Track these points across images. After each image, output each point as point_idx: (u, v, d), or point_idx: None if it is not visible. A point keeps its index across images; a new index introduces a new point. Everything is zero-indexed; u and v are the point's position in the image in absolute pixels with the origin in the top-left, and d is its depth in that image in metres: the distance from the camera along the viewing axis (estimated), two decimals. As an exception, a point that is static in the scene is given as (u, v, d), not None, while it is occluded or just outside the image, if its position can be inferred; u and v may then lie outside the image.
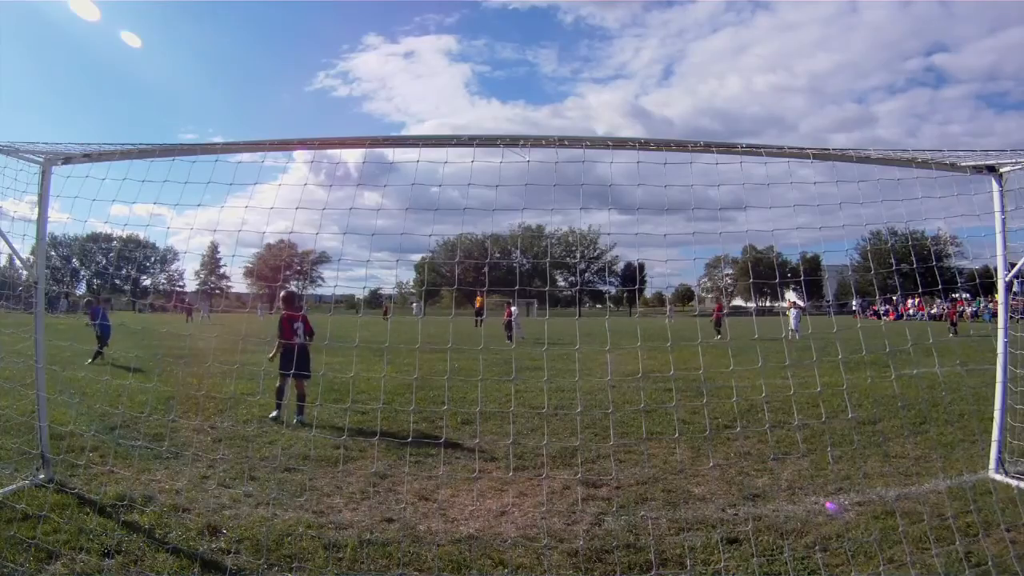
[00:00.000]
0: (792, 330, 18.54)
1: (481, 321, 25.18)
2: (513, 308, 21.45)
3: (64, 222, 4.82)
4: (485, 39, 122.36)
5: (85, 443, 5.43)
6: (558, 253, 76.61)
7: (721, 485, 4.95)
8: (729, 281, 73.88)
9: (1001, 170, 4.68)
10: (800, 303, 22.03)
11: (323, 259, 67.29)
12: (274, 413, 7.17)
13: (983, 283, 4.89)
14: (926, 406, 7.05)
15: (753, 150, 3.89)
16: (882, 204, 4.15)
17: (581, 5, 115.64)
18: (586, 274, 77.86)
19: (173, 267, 71.46)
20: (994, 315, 5.70)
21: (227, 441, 6.07)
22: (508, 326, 20.78)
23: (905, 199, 4.10)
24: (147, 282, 71.79)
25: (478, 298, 28.55)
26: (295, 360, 7.10)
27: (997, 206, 4.70)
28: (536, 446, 5.90)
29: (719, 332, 22.32)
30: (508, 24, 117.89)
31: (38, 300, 4.64)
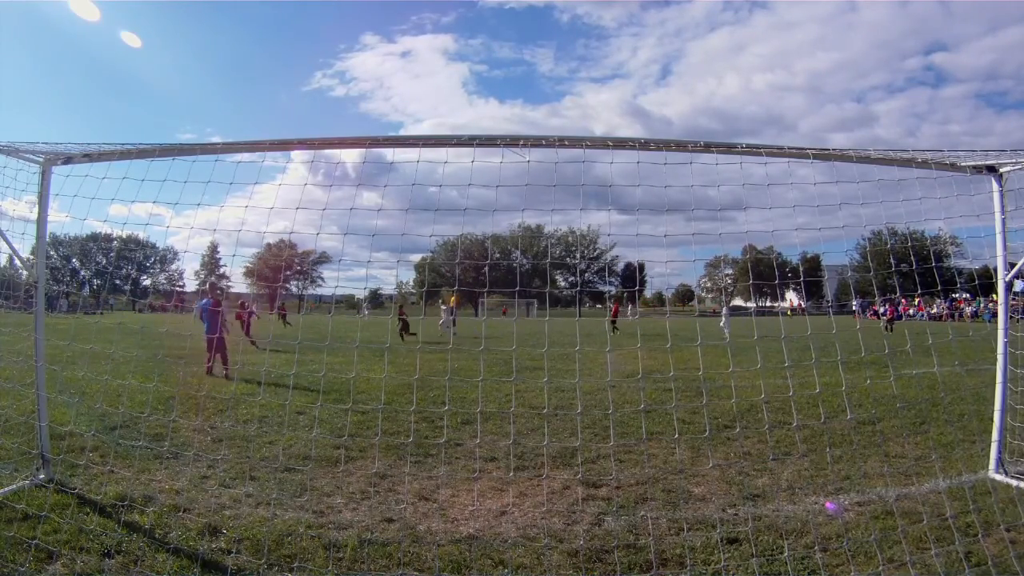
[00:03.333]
0: (722, 327, 19.99)
1: (453, 321, 25.47)
2: (443, 306, 21.97)
3: (64, 222, 4.83)
4: (482, 38, 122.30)
5: (85, 443, 5.43)
6: (558, 253, 76.65)
7: (721, 485, 4.95)
8: (729, 281, 73.92)
9: (1001, 170, 4.68)
10: (728, 306, 23.82)
11: (323, 259, 67.44)
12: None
13: (982, 283, 4.90)
14: (926, 406, 7.05)
15: (753, 150, 3.89)
16: (882, 204, 4.15)
17: (577, 4, 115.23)
18: (586, 274, 77.88)
19: (173, 267, 71.51)
20: (994, 315, 5.70)
21: (227, 441, 6.07)
22: (405, 327, 19.79)
23: (905, 199, 4.10)
24: (147, 282, 71.78)
25: (453, 297, 28.69)
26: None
27: (997, 206, 4.70)
28: (536, 446, 5.90)
29: (614, 330, 23.32)
30: (505, 23, 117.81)
31: (38, 300, 4.65)
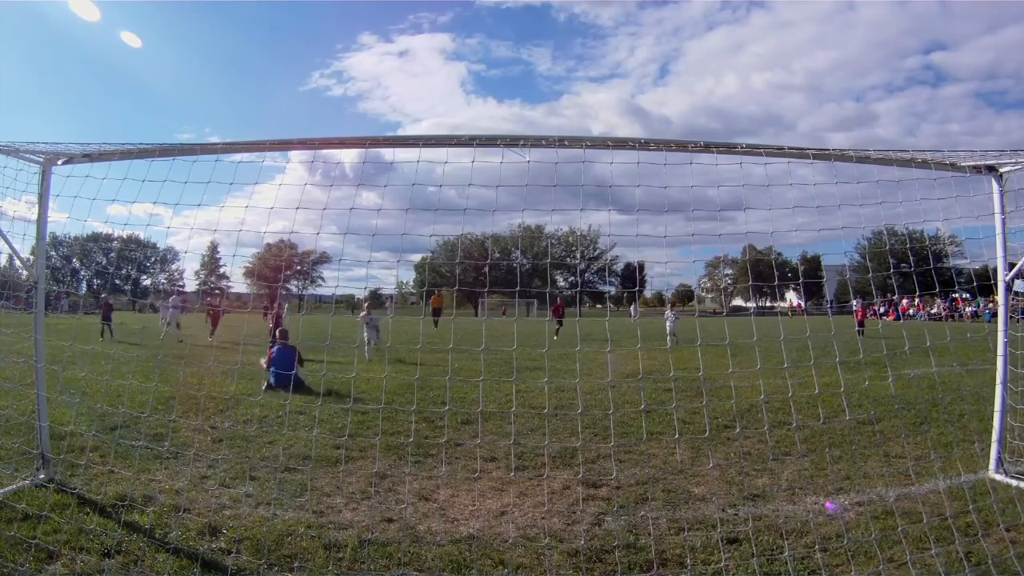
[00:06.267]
0: (671, 335, 18.25)
1: (437, 322, 25.09)
2: (362, 314, 16.93)
3: (64, 222, 4.84)
4: (480, 38, 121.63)
5: (85, 443, 5.43)
6: (558, 253, 76.65)
7: (721, 485, 4.95)
8: (729, 281, 73.97)
9: (1001, 170, 4.68)
10: (678, 307, 21.51)
11: (323, 259, 67.46)
12: None
13: (980, 284, 4.90)
14: (925, 406, 7.05)
15: (753, 150, 3.89)
16: (881, 204, 4.16)
17: (575, 3, 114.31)
18: (586, 274, 77.86)
19: (173, 267, 71.40)
20: (994, 315, 5.70)
21: (227, 441, 6.07)
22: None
23: (905, 199, 4.11)
24: (147, 282, 71.72)
25: (434, 297, 28.43)
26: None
27: (997, 206, 4.70)
28: (536, 446, 5.90)
29: (557, 331, 22.27)
30: (502, 23, 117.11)
31: (38, 300, 4.65)
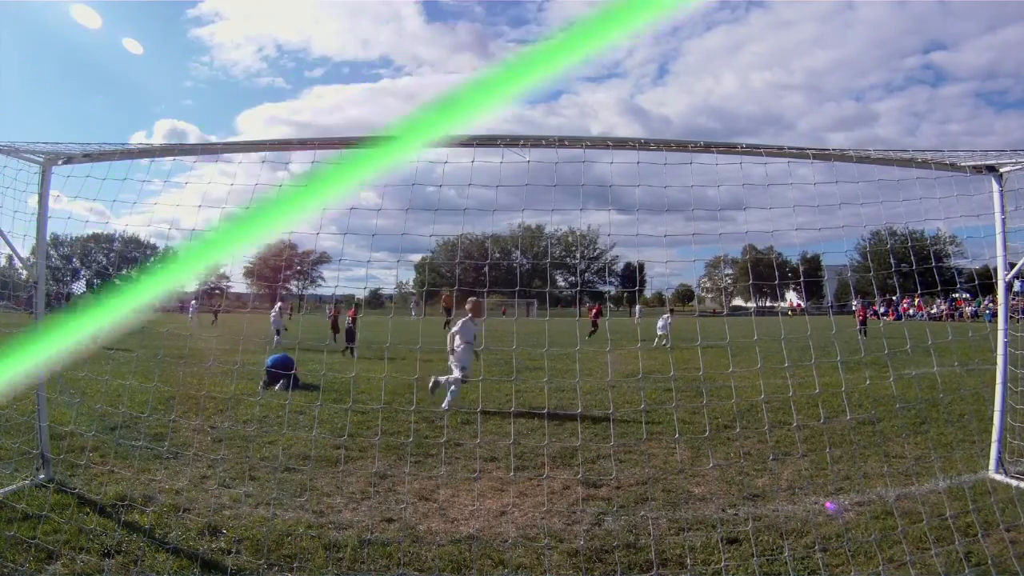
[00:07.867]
0: (660, 335, 18.07)
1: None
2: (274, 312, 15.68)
3: (64, 222, 4.84)
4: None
5: (85, 443, 5.43)
6: (558, 253, 76.62)
7: (721, 485, 4.95)
8: (729, 281, 73.97)
9: (1001, 170, 4.68)
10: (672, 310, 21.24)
11: (323, 259, 67.50)
12: None
13: (982, 283, 4.90)
14: (925, 406, 7.05)
15: (753, 150, 3.89)
16: (882, 204, 4.16)
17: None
18: (586, 274, 77.83)
19: (173, 267, 71.20)
20: (995, 315, 5.70)
21: (227, 441, 6.07)
22: (350, 335, 14.99)
23: (905, 199, 4.11)
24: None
25: (444, 296, 28.18)
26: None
27: (997, 206, 4.70)
28: (536, 446, 5.90)
29: (593, 331, 21.71)
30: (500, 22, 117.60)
31: (38, 300, 4.65)
